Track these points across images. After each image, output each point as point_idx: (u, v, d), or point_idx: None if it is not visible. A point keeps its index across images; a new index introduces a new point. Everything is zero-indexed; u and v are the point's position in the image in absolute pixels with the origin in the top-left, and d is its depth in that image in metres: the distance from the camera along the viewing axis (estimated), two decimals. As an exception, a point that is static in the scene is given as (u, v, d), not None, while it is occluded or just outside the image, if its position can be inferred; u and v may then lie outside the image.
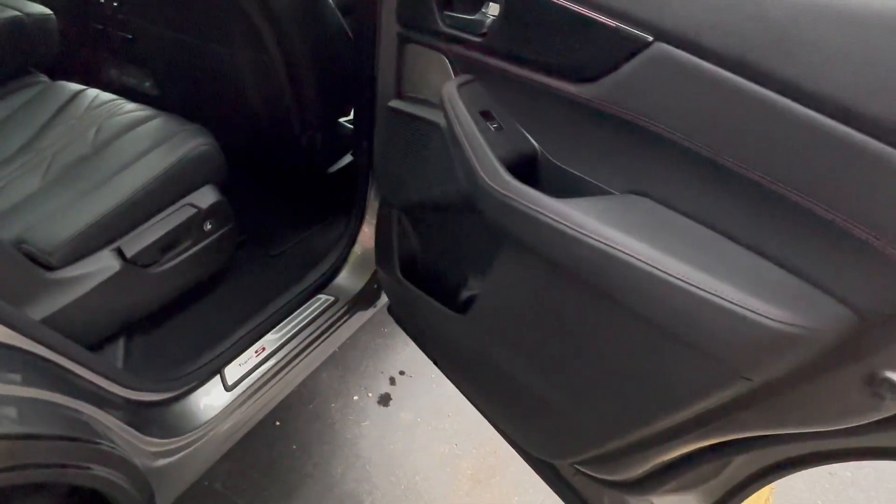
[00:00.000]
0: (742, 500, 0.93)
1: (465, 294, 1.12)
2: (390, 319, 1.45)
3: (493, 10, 0.87)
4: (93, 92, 1.37)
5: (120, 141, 1.21)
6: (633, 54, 0.67)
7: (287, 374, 1.28)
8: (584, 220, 0.70)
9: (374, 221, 1.39)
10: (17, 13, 1.42)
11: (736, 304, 0.59)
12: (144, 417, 0.99)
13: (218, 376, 1.17)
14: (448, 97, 0.90)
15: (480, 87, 0.91)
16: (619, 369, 0.76)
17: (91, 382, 0.90)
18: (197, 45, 1.46)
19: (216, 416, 1.11)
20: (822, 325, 0.57)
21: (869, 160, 0.52)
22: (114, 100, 1.34)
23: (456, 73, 0.95)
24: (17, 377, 0.77)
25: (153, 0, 1.43)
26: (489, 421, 1.21)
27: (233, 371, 1.19)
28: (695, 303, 0.61)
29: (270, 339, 1.27)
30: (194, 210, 1.17)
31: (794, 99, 0.55)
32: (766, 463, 0.85)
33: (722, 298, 0.59)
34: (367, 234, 1.44)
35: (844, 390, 0.60)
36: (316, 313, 1.36)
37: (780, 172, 0.58)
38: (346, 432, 1.71)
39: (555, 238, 0.73)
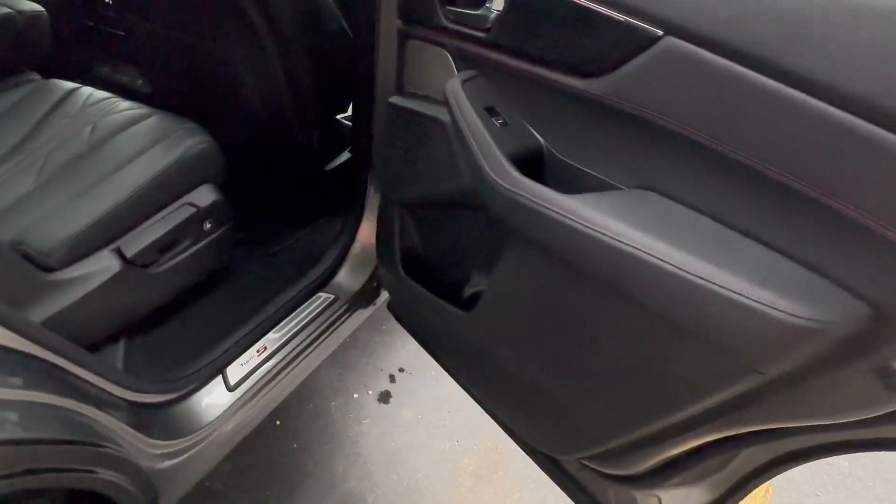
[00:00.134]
0: (748, 493, 0.93)
1: (468, 291, 1.12)
2: (389, 317, 1.44)
3: (497, 4, 0.87)
4: (86, 90, 1.35)
5: (116, 140, 1.19)
6: (642, 49, 0.67)
7: (289, 373, 1.27)
8: (594, 215, 0.70)
9: (372, 218, 1.38)
10: (9, 10, 1.40)
11: (750, 298, 0.59)
12: (147, 419, 0.98)
13: (220, 376, 1.16)
14: (452, 93, 0.89)
15: (484, 83, 0.91)
16: (630, 365, 0.76)
17: (93, 385, 0.89)
18: (191, 42, 1.44)
19: (219, 416, 1.10)
20: (837, 318, 0.57)
21: (884, 154, 0.51)
22: (108, 98, 1.32)
23: (459, 69, 0.95)
24: (20, 381, 0.76)
25: (146, -3, 1.41)
26: (493, 417, 1.21)
27: (235, 371, 1.18)
28: (707, 297, 0.61)
29: (272, 339, 1.26)
30: (193, 209, 1.15)
31: (809, 93, 0.55)
32: (772, 456, 0.86)
33: (735, 293, 0.59)
34: (366, 232, 1.43)
35: (858, 383, 0.60)
36: (317, 312, 1.36)
37: (793, 166, 0.58)
38: (346, 430, 1.71)
39: (564, 234, 0.73)
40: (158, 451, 0.96)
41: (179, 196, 1.15)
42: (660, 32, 0.65)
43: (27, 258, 0.96)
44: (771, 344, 0.59)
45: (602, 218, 0.69)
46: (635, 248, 0.66)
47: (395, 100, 1.06)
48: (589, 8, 0.71)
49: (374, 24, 1.07)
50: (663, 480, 0.94)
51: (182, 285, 1.21)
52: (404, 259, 1.21)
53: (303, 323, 1.32)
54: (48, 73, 1.48)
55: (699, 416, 0.73)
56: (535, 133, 0.87)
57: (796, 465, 0.85)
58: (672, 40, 0.64)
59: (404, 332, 1.40)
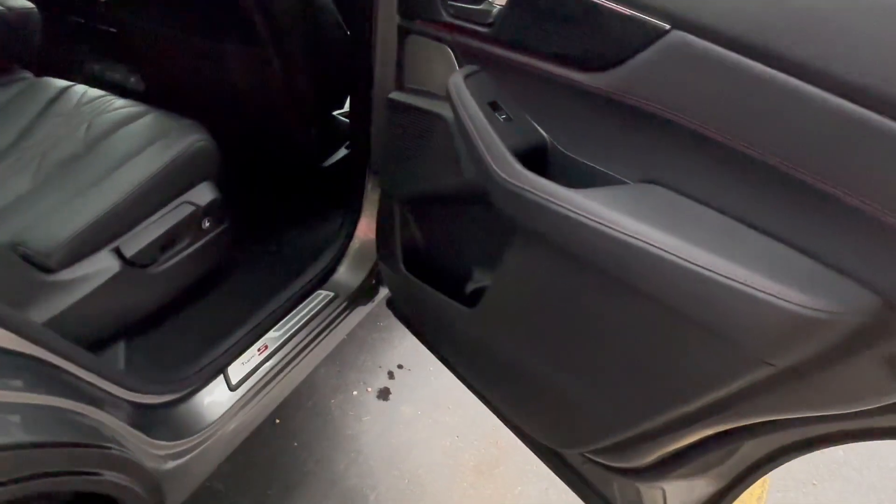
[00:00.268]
0: (751, 483, 0.94)
1: (470, 286, 1.12)
2: (386, 313, 1.44)
3: (499, -1, 0.87)
4: (80, 88, 1.33)
5: (112, 138, 1.18)
6: (648, 43, 0.67)
7: (290, 371, 1.26)
8: (601, 209, 0.70)
9: (371, 215, 1.38)
10: (-2, 7, 1.38)
11: (760, 290, 0.59)
12: (151, 420, 0.98)
13: (221, 376, 1.15)
14: (455, 88, 0.89)
15: (487, 78, 0.90)
16: (636, 358, 0.77)
17: (96, 386, 0.88)
18: (185, 38, 1.43)
19: (222, 416, 1.10)
20: (847, 309, 0.57)
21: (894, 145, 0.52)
22: (103, 96, 1.30)
23: (460, 64, 0.94)
24: (21, 383, 0.75)
25: (139, -7, 1.40)
26: (495, 413, 1.21)
27: (236, 370, 1.17)
28: (717, 290, 0.61)
29: (272, 337, 1.26)
30: (192, 208, 1.14)
31: (818, 85, 0.55)
32: (776, 446, 0.87)
33: (745, 285, 0.60)
34: (364, 228, 1.42)
35: (866, 372, 0.61)
36: (317, 309, 1.35)
37: (802, 158, 0.58)
38: (346, 428, 1.71)
39: (570, 229, 0.73)
40: (163, 452, 0.96)
41: (178, 195, 1.14)
42: (667, 26, 0.65)
43: (26, 259, 0.95)
44: (781, 335, 0.60)
45: (609, 212, 0.69)
46: (643, 241, 0.66)
47: (395, 96, 1.06)
48: (594, 2, 0.70)
49: (371, 20, 1.06)
50: (667, 472, 0.94)
51: (182, 285, 1.20)
52: (405, 255, 1.21)
53: (303, 321, 1.32)
54: (39, 72, 1.46)
55: (706, 408, 0.74)
56: (539, 128, 0.87)
57: (799, 456, 0.86)
58: (679, 34, 0.64)
59: (402, 328, 1.40)
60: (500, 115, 0.87)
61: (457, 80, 0.89)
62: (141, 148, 1.13)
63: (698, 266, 0.62)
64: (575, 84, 0.77)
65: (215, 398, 1.12)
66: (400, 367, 1.90)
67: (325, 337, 1.36)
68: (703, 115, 0.65)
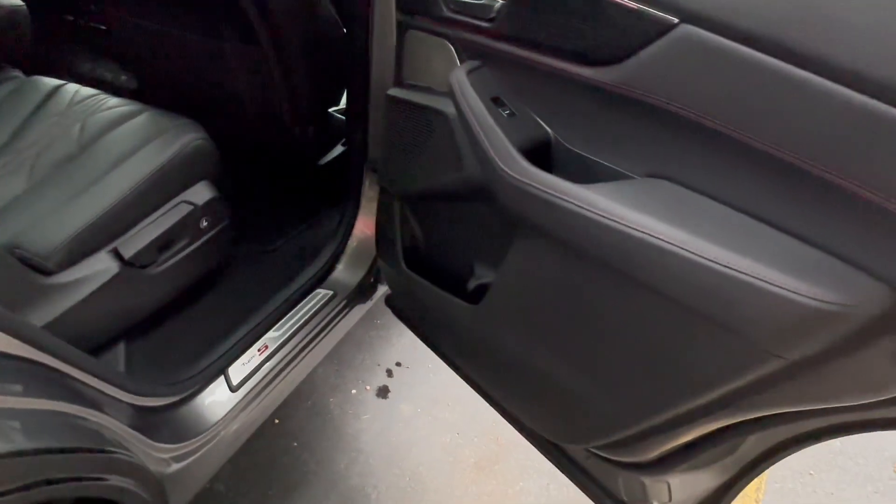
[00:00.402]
0: (756, 476, 0.95)
1: (473, 283, 1.11)
2: (383, 311, 1.43)
3: (501, -7, 0.86)
4: (72, 87, 1.31)
5: (107, 138, 1.16)
6: (656, 37, 0.66)
7: (291, 371, 1.26)
8: (609, 204, 0.70)
9: (369, 212, 1.37)
10: (-13, 5, 1.36)
11: (770, 283, 0.59)
12: (153, 423, 0.97)
13: (222, 377, 1.14)
14: (458, 84, 0.88)
15: (489, 73, 0.90)
16: (645, 353, 0.76)
17: (97, 389, 0.87)
18: (180, 34, 1.41)
19: (224, 417, 1.09)
20: (858, 300, 0.57)
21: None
22: (96, 94, 1.28)
23: (461, 60, 0.94)
24: (24, 388, 0.73)
25: (130, -11, 1.38)
26: (498, 410, 1.21)
27: (237, 371, 1.16)
28: (728, 284, 0.62)
29: (272, 337, 1.25)
30: (190, 207, 1.13)
31: (830, 78, 0.55)
32: (781, 439, 0.87)
33: (756, 278, 0.60)
34: (362, 226, 1.42)
35: (877, 364, 0.61)
36: (316, 308, 1.34)
37: (813, 151, 0.58)
38: (346, 427, 1.70)
39: (577, 224, 0.73)
40: (166, 455, 0.95)
41: (176, 194, 1.13)
42: (675, 20, 0.64)
43: (24, 262, 0.93)
44: (793, 328, 0.60)
45: (616, 206, 0.69)
46: (652, 236, 0.66)
47: (395, 92, 1.05)
48: None
49: (368, 15, 1.05)
50: (673, 466, 0.94)
51: (181, 285, 1.19)
52: (405, 253, 1.20)
53: (303, 320, 1.31)
54: (28, 71, 1.44)
55: (715, 402, 0.74)
56: (543, 123, 0.87)
57: (805, 447, 0.86)
58: (688, 28, 0.64)
59: (399, 326, 1.39)
60: (504, 111, 0.87)
61: (459, 76, 0.88)
62: (137, 147, 1.12)
63: (708, 260, 0.62)
64: (580, 79, 0.76)
65: (217, 399, 1.11)
66: (398, 364, 1.89)
67: (324, 336, 1.36)
68: (712, 109, 0.65)
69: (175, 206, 1.12)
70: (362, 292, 1.44)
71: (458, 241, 1.13)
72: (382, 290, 1.50)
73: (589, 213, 0.71)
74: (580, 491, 1.15)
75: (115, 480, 0.78)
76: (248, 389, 1.16)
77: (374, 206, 1.28)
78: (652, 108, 0.70)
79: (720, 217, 0.68)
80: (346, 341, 1.93)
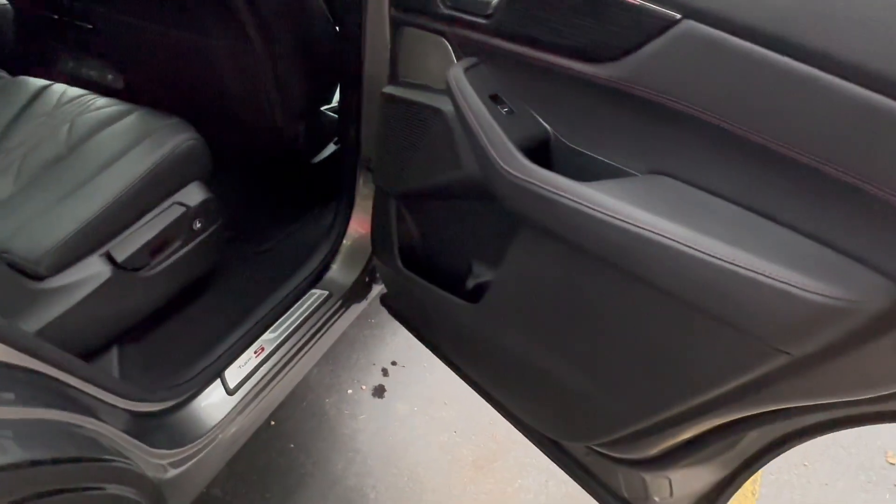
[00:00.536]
0: (757, 470, 0.95)
1: (471, 282, 1.11)
2: (377, 310, 1.42)
3: (498, -10, 0.85)
4: (59, 87, 1.29)
5: (96, 139, 1.14)
6: (658, 33, 0.66)
7: (288, 373, 1.24)
8: (612, 202, 0.69)
9: (363, 211, 1.36)
10: (-32, 4, 1.32)
11: (776, 280, 0.59)
12: (150, 428, 0.95)
13: (219, 380, 1.13)
14: (455, 81, 0.87)
15: (487, 71, 0.89)
16: (649, 351, 0.76)
17: (92, 396, 0.85)
18: (167, 33, 1.39)
19: (221, 421, 1.07)
20: (864, 296, 0.57)
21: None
22: (84, 95, 1.26)
23: (458, 57, 0.93)
24: (16, 396, 0.72)
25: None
26: (496, 408, 1.20)
27: (233, 374, 1.15)
28: (733, 280, 0.61)
29: (268, 339, 1.23)
30: (183, 209, 1.11)
31: (836, 73, 0.55)
32: (782, 433, 0.87)
33: (761, 274, 0.59)
34: (356, 225, 1.40)
35: (882, 359, 0.61)
36: (312, 309, 1.33)
37: (819, 148, 0.58)
38: (342, 427, 1.69)
39: (579, 222, 0.72)
40: (164, 461, 0.93)
41: (168, 196, 1.11)
42: (677, 16, 0.64)
43: (13, 267, 0.91)
44: (800, 325, 0.60)
45: (619, 204, 0.69)
46: (656, 232, 0.65)
47: (390, 89, 1.04)
48: None
49: (361, 11, 1.04)
50: (674, 462, 0.95)
51: (175, 288, 1.17)
52: (402, 252, 1.19)
53: (299, 321, 1.29)
54: (14, 71, 1.41)
55: (719, 398, 0.74)
56: (542, 120, 0.86)
57: (804, 441, 0.86)
58: (690, 23, 0.63)
59: (394, 324, 1.38)
60: (502, 109, 0.86)
61: (457, 73, 0.87)
62: (127, 148, 1.10)
63: (712, 256, 0.62)
64: (580, 75, 0.76)
65: (214, 403, 1.09)
66: (394, 363, 1.88)
67: (320, 336, 1.34)
68: (715, 105, 0.64)
69: (167, 207, 1.10)
70: (358, 292, 1.43)
71: (455, 239, 1.12)
72: (378, 289, 1.48)
73: (591, 211, 0.70)
74: (579, 487, 1.15)
75: (112, 489, 0.76)
76: (246, 392, 1.14)
77: (369, 204, 1.27)
78: (653, 104, 0.70)
79: (723, 213, 0.68)
80: (341, 341, 1.92)
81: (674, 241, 0.64)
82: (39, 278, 0.93)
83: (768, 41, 0.58)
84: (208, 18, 1.26)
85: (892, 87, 0.52)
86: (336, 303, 1.38)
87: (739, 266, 0.61)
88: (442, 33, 0.93)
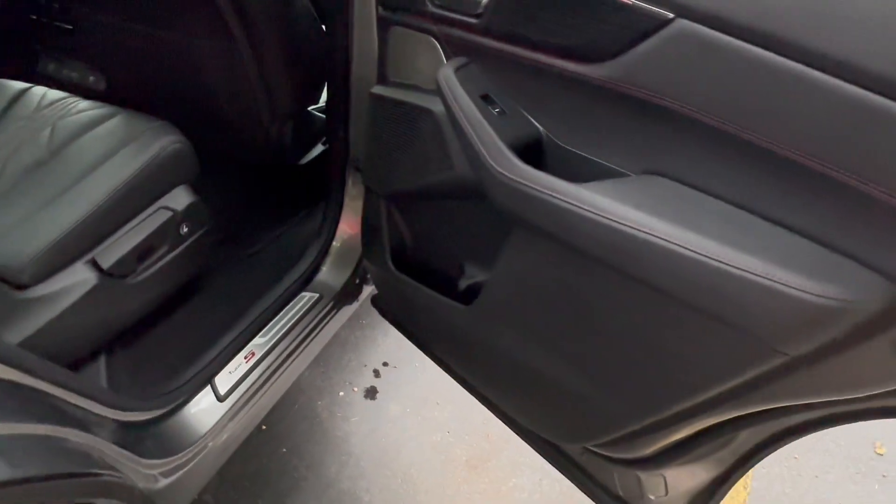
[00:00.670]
0: (751, 467, 0.96)
1: (464, 283, 1.10)
2: (368, 311, 1.41)
3: (488, -11, 0.84)
4: (39, 90, 1.26)
5: (79, 143, 1.11)
6: (651, 32, 0.65)
7: (279, 377, 1.23)
8: (606, 202, 0.69)
9: (352, 212, 1.35)
10: (-56, 5, 1.29)
11: (771, 280, 0.59)
12: (139, 438, 0.94)
13: (209, 386, 1.11)
14: (445, 81, 0.86)
15: (477, 71, 0.88)
16: (645, 351, 0.76)
17: (79, 407, 0.84)
18: (149, 33, 1.36)
19: (212, 428, 1.06)
20: (860, 296, 0.57)
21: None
22: (65, 97, 1.23)
23: (448, 57, 0.92)
24: (3, 411, 0.70)
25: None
26: (490, 407, 1.20)
27: (223, 380, 1.13)
28: (729, 281, 0.61)
29: (259, 343, 1.22)
30: (170, 213, 1.09)
31: (828, 72, 0.54)
32: (775, 430, 0.88)
33: (758, 275, 0.59)
34: (345, 226, 1.39)
35: (877, 358, 0.61)
36: (302, 312, 1.32)
37: (813, 147, 0.58)
38: (335, 430, 1.68)
39: (573, 223, 0.72)
40: (154, 471, 0.92)
41: (154, 200, 1.09)
42: (670, 15, 0.63)
43: (-5, 276, 0.89)
44: (796, 325, 0.60)
45: (613, 205, 0.68)
46: (650, 233, 0.65)
47: (379, 90, 1.03)
48: None
49: (348, 10, 1.02)
50: (669, 460, 0.95)
51: (162, 294, 1.15)
52: (393, 253, 1.18)
53: (289, 325, 1.28)
54: (-7, 73, 1.37)
55: (716, 398, 0.74)
56: (534, 121, 0.86)
57: (799, 438, 0.87)
58: (683, 23, 0.63)
59: (384, 325, 1.37)
60: (494, 109, 0.85)
61: (447, 73, 0.87)
62: (111, 152, 1.07)
63: (708, 257, 0.62)
64: (572, 75, 0.75)
65: (204, 410, 1.08)
66: (385, 364, 1.87)
67: (312, 340, 1.33)
68: (709, 104, 0.64)
69: (154, 212, 1.08)
70: (348, 294, 1.42)
71: (447, 240, 1.11)
72: (368, 290, 1.47)
73: (584, 212, 0.70)
74: (573, 486, 1.15)
75: (101, 503, 0.75)
76: (237, 398, 1.13)
77: (358, 205, 1.26)
78: (647, 104, 0.69)
79: (717, 213, 0.67)
80: (332, 342, 1.90)
81: (668, 241, 0.64)
82: (22, 287, 0.91)
83: (761, 40, 0.58)
84: (192, 17, 1.24)
85: (886, 85, 0.52)
86: (327, 305, 1.37)
87: (734, 266, 0.60)
88: (431, 32, 0.92)
